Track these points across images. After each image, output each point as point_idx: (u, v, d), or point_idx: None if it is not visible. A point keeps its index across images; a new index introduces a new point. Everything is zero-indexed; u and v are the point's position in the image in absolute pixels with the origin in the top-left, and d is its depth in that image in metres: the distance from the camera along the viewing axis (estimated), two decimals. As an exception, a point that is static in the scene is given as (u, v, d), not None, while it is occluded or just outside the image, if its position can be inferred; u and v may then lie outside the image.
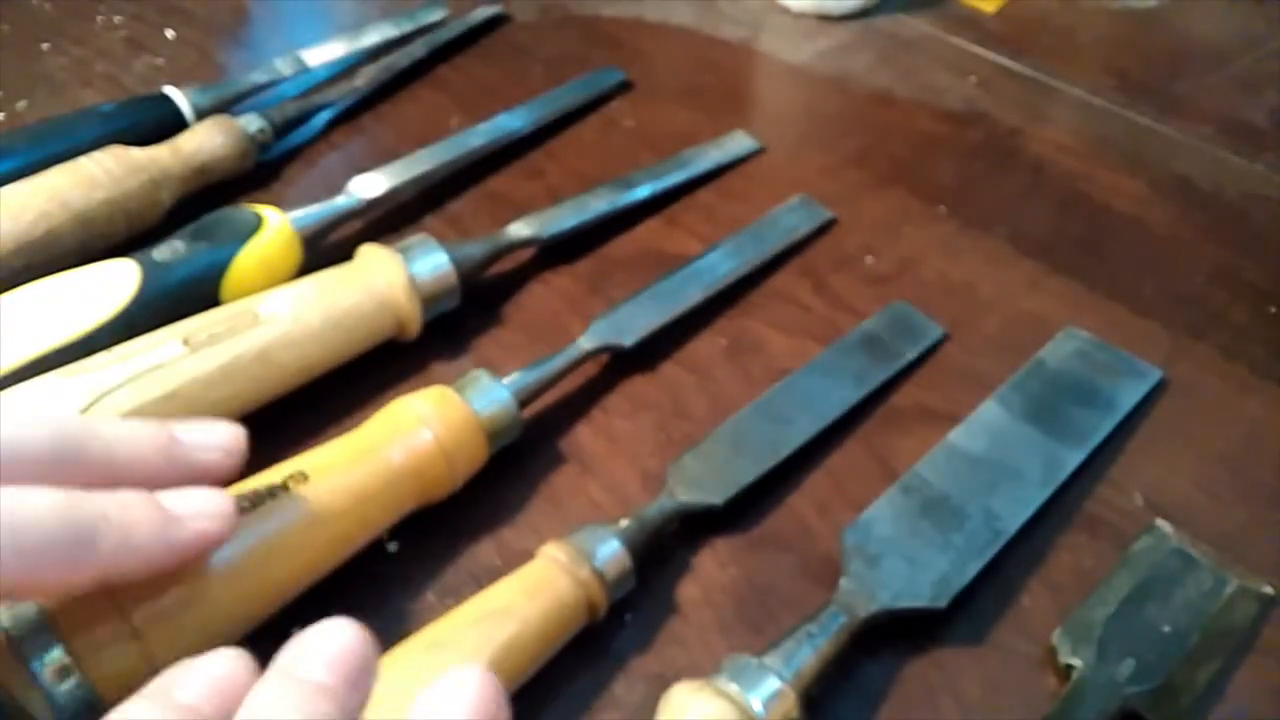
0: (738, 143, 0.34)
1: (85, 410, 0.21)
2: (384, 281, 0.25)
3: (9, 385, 0.22)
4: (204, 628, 0.19)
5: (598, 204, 0.31)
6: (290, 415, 0.24)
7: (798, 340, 0.28)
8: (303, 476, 0.21)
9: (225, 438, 0.19)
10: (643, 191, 0.31)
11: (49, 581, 0.16)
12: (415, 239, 0.26)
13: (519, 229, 0.29)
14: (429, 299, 0.26)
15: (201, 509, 0.18)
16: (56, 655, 0.18)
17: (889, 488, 0.24)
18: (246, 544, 0.20)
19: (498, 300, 0.29)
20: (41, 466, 0.16)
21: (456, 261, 0.26)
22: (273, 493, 0.21)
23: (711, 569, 0.24)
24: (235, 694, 0.15)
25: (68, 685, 0.18)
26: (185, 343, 0.23)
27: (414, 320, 0.26)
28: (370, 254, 0.26)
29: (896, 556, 0.23)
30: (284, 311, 0.24)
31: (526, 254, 0.30)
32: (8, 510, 0.15)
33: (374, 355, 0.26)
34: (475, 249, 0.27)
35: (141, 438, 0.18)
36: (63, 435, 0.17)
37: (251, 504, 0.20)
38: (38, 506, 0.16)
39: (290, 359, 0.24)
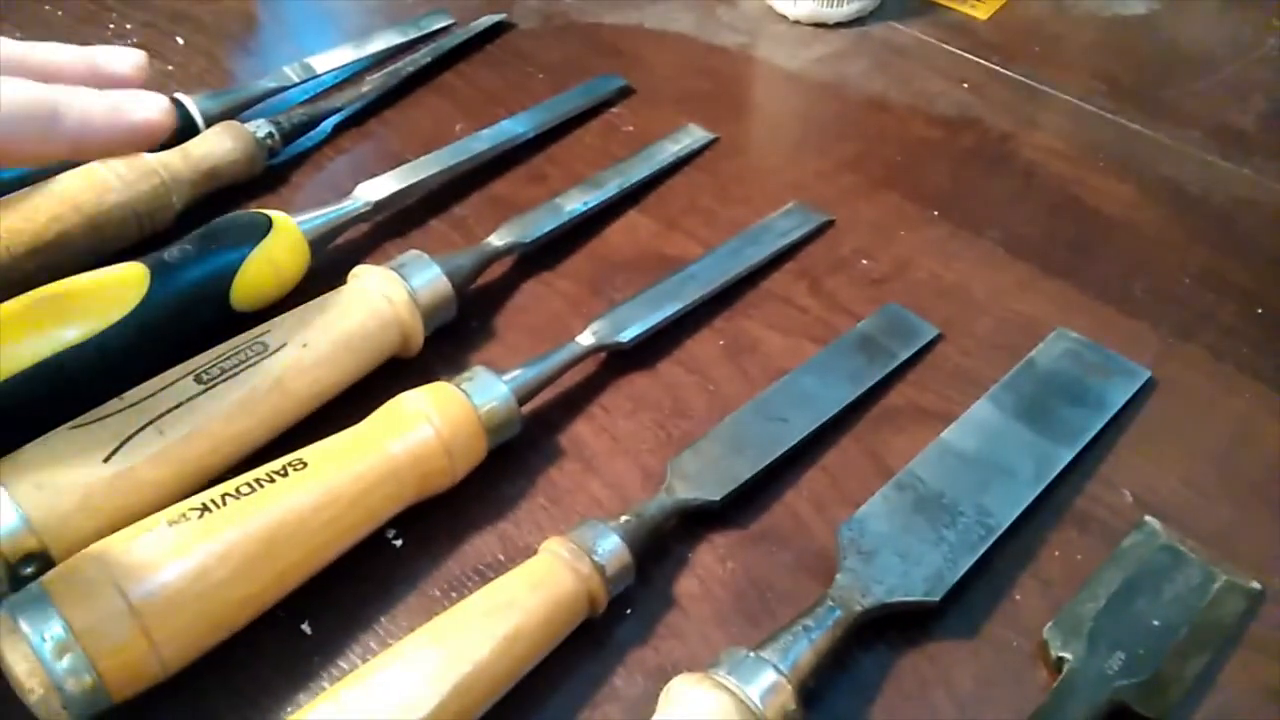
0: (693, 135, 0.35)
1: (109, 457, 0.21)
2: (385, 300, 0.26)
3: (22, 385, 0.23)
4: (203, 608, 0.20)
5: (571, 205, 0.31)
6: (294, 428, 0.24)
7: (794, 340, 0.29)
8: (301, 464, 0.22)
9: (136, 56, 0.23)
10: (611, 189, 0.32)
11: (25, 149, 0.21)
12: (408, 255, 0.27)
13: (500, 237, 0.29)
14: (429, 313, 0.26)
15: (144, 102, 0.22)
16: (57, 632, 0.18)
17: (884, 485, 0.25)
18: (246, 525, 0.20)
19: (501, 303, 0.30)
20: None
21: (449, 274, 0.27)
22: (272, 478, 0.21)
23: (710, 564, 0.24)
24: None
25: (67, 661, 0.18)
26: (197, 380, 0.23)
27: (417, 335, 0.26)
28: (368, 274, 0.26)
29: (891, 552, 0.23)
30: (292, 339, 0.24)
31: (528, 259, 0.31)
32: None
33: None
34: (464, 260, 0.28)
35: (73, 58, 0.22)
36: (8, 53, 0.21)
37: (251, 489, 0.21)
38: (13, 88, 0.20)
39: (304, 385, 0.24)
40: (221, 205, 0.30)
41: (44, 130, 0.21)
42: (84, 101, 0.21)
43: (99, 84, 0.22)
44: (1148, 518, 0.25)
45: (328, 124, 0.35)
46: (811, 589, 0.23)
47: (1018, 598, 0.24)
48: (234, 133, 0.31)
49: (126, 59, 0.23)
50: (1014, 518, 0.24)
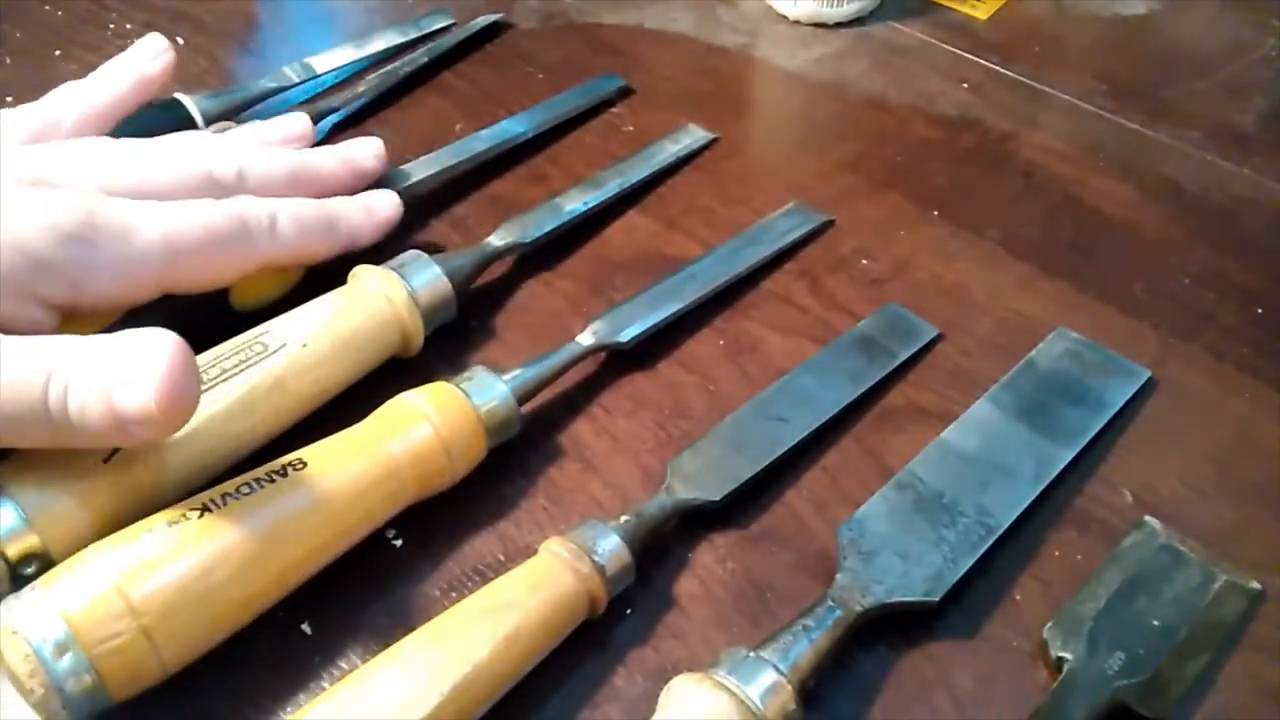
0: (693, 135, 0.35)
1: (109, 457, 0.21)
2: (385, 301, 0.26)
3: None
4: (203, 609, 0.20)
5: (571, 205, 0.31)
6: (294, 428, 0.24)
7: (794, 340, 0.29)
8: (301, 463, 0.22)
9: (375, 146, 0.29)
10: (611, 189, 0.32)
11: (310, 252, 0.26)
12: (407, 255, 0.27)
13: (501, 237, 0.29)
14: (429, 313, 0.26)
15: (383, 200, 0.28)
16: (57, 632, 0.18)
17: (884, 485, 0.25)
18: (246, 525, 0.20)
19: (501, 303, 0.30)
20: (285, 188, 0.26)
21: (449, 274, 0.27)
22: (271, 478, 0.21)
23: (710, 564, 0.24)
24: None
25: (67, 662, 0.18)
26: None
27: (417, 335, 0.26)
28: (368, 274, 0.26)
29: (891, 552, 0.23)
30: (293, 339, 0.24)
31: (528, 259, 0.31)
32: (292, 207, 0.25)
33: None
34: (464, 260, 0.28)
35: (332, 162, 0.28)
36: (294, 167, 0.27)
37: (251, 489, 0.21)
38: (308, 206, 0.26)
39: (304, 385, 0.24)
40: (221, 205, 0.30)
41: (327, 239, 0.26)
42: (348, 209, 0.27)
43: (354, 177, 0.28)
44: (1148, 518, 0.25)
45: (327, 124, 0.35)
46: (811, 589, 0.23)
47: (1018, 598, 0.24)
48: (234, 133, 0.31)
49: (368, 150, 0.29)
50: (1014, 518, 0.24)
